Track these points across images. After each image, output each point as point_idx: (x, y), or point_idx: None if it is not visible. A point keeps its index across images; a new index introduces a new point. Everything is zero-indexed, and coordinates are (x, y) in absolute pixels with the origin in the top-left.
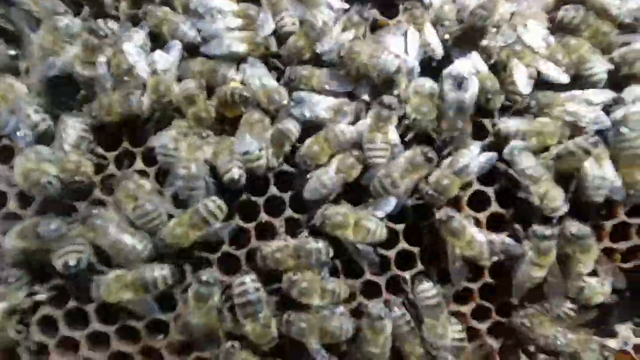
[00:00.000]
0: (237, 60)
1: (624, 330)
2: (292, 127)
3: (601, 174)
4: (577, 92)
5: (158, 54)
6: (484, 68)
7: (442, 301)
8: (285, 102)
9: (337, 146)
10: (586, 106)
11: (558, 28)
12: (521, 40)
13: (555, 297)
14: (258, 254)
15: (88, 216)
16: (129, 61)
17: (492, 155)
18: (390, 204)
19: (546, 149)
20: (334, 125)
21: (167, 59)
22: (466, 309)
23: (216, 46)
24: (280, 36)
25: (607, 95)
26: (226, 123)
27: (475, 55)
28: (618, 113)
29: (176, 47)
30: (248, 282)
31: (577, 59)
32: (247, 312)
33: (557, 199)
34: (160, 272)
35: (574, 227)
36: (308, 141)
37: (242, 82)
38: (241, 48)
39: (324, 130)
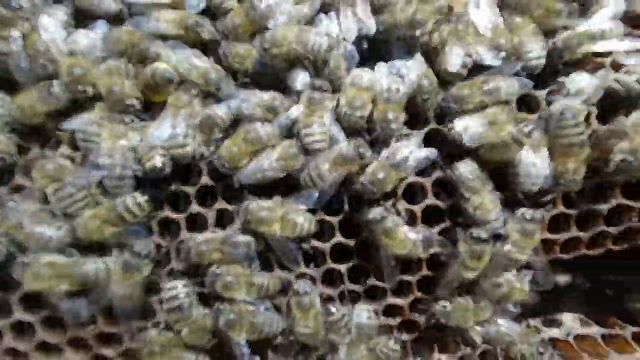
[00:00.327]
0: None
1: (570, 320)
2: (221, 113)
3: (537, 162)
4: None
5: (81, 33)
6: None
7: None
8: (219, 78)
9: (259, 146)
10: (504, 80)
11: (506, 5)
12: (467, 19)
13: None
14: (183, 246)
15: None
16: (43, 40)
17: (431, 151)
18: (312, 197)
19: None
20: (252, 125)
21: (90, 38)
22: (405, 302)
23: (143, 24)
24: (218, 12)
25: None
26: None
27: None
28: (557, 104)
29: (100, 26)
30: (179, 287)
31: (518, 42)
32: (176, 318)
33: (491, 212)
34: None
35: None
36: (226, 142)
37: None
38: (171, 30)
39: (243, 130)
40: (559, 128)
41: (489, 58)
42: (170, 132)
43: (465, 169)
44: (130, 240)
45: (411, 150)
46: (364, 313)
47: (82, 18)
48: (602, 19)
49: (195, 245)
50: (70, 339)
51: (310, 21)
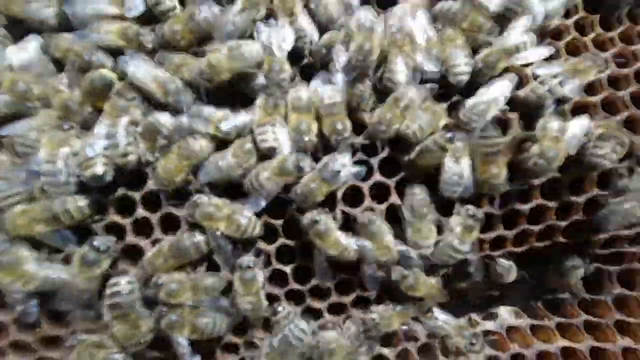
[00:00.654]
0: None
1: (506, 313)
2: (163, 120)
3: (458, 170)
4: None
5: (12, 49)
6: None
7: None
8: (178, 89)
9: (195, 160)
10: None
11: (439, 16)
12: (404, 29)
13: None
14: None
15: None
16: None
17: (361, 169)
18: (260, 204)
19: None
20: (188, 141)
21: (25, 53)
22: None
23: (87, 35)
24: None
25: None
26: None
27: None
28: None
29: (33, 41)
30: (122, 284)
31: (446, 54)
32: (115, 314)
33: (428, 239)
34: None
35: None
36: (163, 160)
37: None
38: (114, 41)
39: (176, 146)
40: (482, 137)
41: (429, 66)
42: (106, 142)
43: (420, 195)
44: (56, 243)
45: (344, 164)
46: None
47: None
48: (515, 34)
49: (147, 260)
50: (12, 342)
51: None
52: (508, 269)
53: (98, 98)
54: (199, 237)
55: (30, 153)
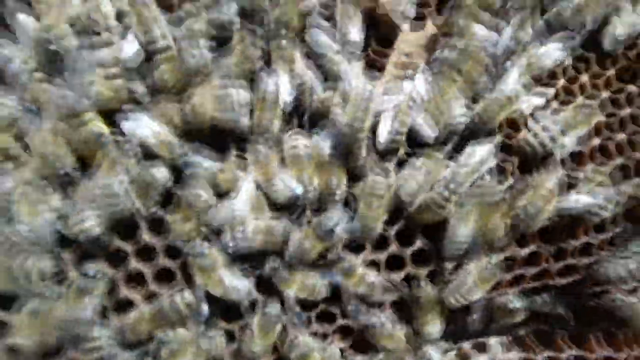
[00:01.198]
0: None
1: (496, 344)
2: (158, 174)
3: (466, 232)
4: None
5: None
6: None
7: None
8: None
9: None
10: None
11: (438, 64)
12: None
13: None
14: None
15: None
16: None
17: (357, 226)
18: None
19: None
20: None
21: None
22: None
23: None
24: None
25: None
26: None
27: None
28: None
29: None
30: (103, 339)
31: (442, 106)
32: None
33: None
34: None
35: None
36: (173, 218)
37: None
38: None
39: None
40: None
41: (428, 131)
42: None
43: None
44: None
45: (337, 222)
46: None
47: None
48: (511, 83)
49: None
50: None
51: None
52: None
53: (88, 151)
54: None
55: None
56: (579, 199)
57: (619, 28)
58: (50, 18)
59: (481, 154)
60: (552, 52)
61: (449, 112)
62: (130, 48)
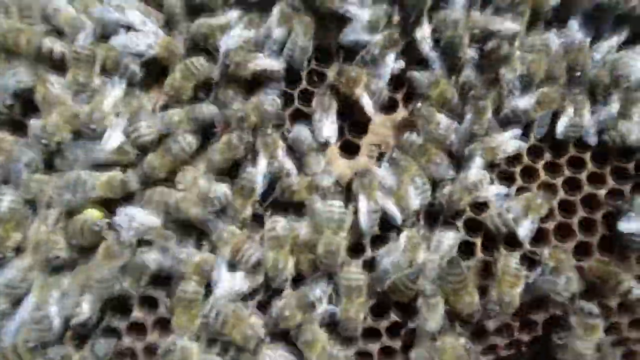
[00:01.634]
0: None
1: None
2: (151, 260)
3: (436, 317)
4: None
5: None
6: None
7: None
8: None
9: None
10: None
11: (402, 149)
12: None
13: None
14: None
15: None
16: None
17: (338, 316)
18: None
19: None
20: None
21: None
22: None
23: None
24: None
25: None
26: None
27: None
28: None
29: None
30: None
31: (402, 192)
32: None
33: None
34: None
35: None
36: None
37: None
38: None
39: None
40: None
41: (397, 216)
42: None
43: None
44: None
45: (320, 297)
46: None
47: None
48: (475, 171)
49: None
50: None
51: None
52: None
53: (84, 241)
54: None
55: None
56: (543, 281)
57: (566, 122)
58: (49, 118)
59: (449, 242)
60: (510, 141)
61: (407, 198)
62: (114, 140)
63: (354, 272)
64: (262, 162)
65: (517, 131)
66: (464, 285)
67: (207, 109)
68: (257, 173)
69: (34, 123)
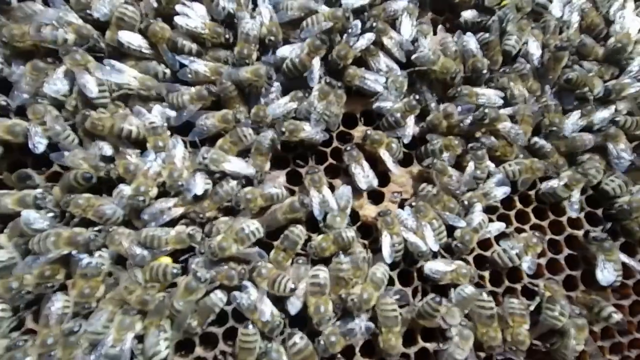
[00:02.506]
0: None
1: None
2: (218, 301)
3: (463, 355)
4: None
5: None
6: None
7: None
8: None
9: None
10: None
11: (419, 198)
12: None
13: None
14: None
15: None
16: None
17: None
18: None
19: None
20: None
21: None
22: None
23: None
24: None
25: None
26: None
27: None
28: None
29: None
30: None
31: (419, 234)
32: None
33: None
34: None
35: None
36: None
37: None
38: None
39: None
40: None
41: (422, 245)
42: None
43: None
44: None
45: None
46: None
47: None
48: (477, 216)
49: None
50: None
51: None
52: None
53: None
54: None
55: (99, 339)
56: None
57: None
58: (138, 180)
59: (465, 293)
60: (499, 189)
61: (426, 238)
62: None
63: (389, 304)
64: (316, 197)
65: (500, 176)
66: (491, 316)
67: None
68: (313, 205)
69: (124, 187)
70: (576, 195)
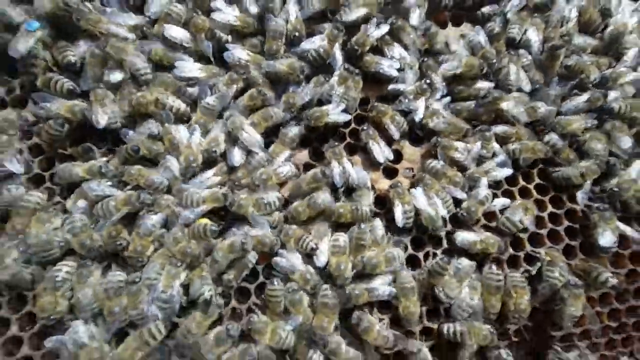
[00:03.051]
0: None
1: None
2: (252, 258)
3: (473, 303)
4: None
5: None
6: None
7: None
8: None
9: None
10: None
11: (426, 172)
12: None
13: None
14: None
15: None
16: None
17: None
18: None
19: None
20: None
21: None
22: None
23: None
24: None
25: None
26: None
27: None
28: None
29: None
30: None
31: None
32: None
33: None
34: None
35: None
36: None
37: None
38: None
39: None
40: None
41: (429, 211)
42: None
43: None
44: None
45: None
46: None
47: None
48: (483, 190)
49: None
50: None
51: None
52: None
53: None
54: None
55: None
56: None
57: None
58: (184, 153)
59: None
60: (501, 171)
61: (436, 210)
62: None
63: (406, 277)
64: (336, 168)
65: (502, 157)
66: (499, 287)
67: None
68: (334, 175)
69: (170, 158)
70: (588, 184)
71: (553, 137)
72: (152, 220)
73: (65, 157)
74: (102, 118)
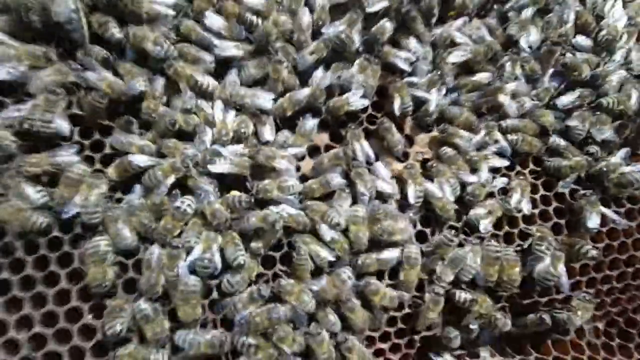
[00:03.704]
0: None
1: (485, 352)
2: (280, 228)
3: (475, 266)
4: None
5: None
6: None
7: None
8: None
9: None
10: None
11: (439, 156)
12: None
13: None
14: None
15: None
16: None
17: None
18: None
19: None
20: None
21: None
22: None
23: None
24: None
25: None
26: None
27: None
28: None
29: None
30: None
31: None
32: None
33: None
34: None
35: None
36: None
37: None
38: None
39: None
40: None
41: (438, 192)
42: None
43: None
44: None
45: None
46: None
47: None
48: (484, 173)
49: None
50: None
51: None
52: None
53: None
54: None
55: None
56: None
57: None
58: (218, 127)
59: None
60: (499, 160)
61: (445, 195)
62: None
63: (414, 249)
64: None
65: (502, 144)
66: (497, 258)
67: None
68: (357, 150)
69: (207, 128)
70: (573, 176)
71: (555, 140)
72: (186, 203)
73: (104, 128)
74: (140, 85)
